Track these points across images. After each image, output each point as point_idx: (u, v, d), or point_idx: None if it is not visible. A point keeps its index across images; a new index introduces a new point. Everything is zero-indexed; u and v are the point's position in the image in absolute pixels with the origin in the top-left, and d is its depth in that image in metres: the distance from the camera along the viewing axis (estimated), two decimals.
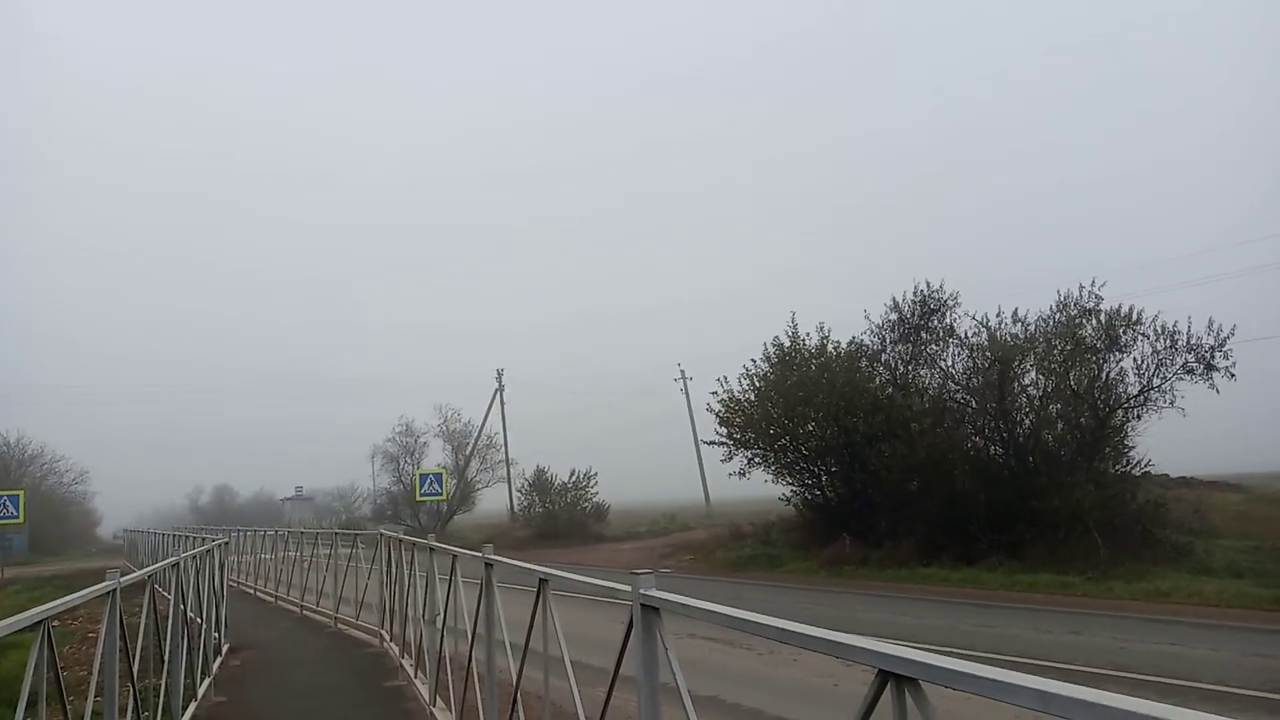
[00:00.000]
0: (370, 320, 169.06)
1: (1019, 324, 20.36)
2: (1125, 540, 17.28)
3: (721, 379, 24.37)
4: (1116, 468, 19.37)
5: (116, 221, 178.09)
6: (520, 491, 41.02)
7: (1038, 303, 24.87)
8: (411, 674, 8.96)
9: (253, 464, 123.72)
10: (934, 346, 21.86)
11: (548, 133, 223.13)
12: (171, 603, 7.75)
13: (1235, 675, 8.70)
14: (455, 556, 7.16)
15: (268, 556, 20.77)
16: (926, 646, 10.10)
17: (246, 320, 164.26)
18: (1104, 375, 19.26)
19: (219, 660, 10.31)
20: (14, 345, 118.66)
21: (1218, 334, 17.86)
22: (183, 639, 7.75)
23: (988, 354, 20.33)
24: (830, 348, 23.30)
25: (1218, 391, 18.01)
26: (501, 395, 50.00)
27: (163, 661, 7.20)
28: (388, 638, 11.30)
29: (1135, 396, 18.96)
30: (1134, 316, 18.78)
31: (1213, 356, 17.92)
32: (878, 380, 22.43)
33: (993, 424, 20.25)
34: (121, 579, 5.29)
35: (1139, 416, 19.16)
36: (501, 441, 47.62)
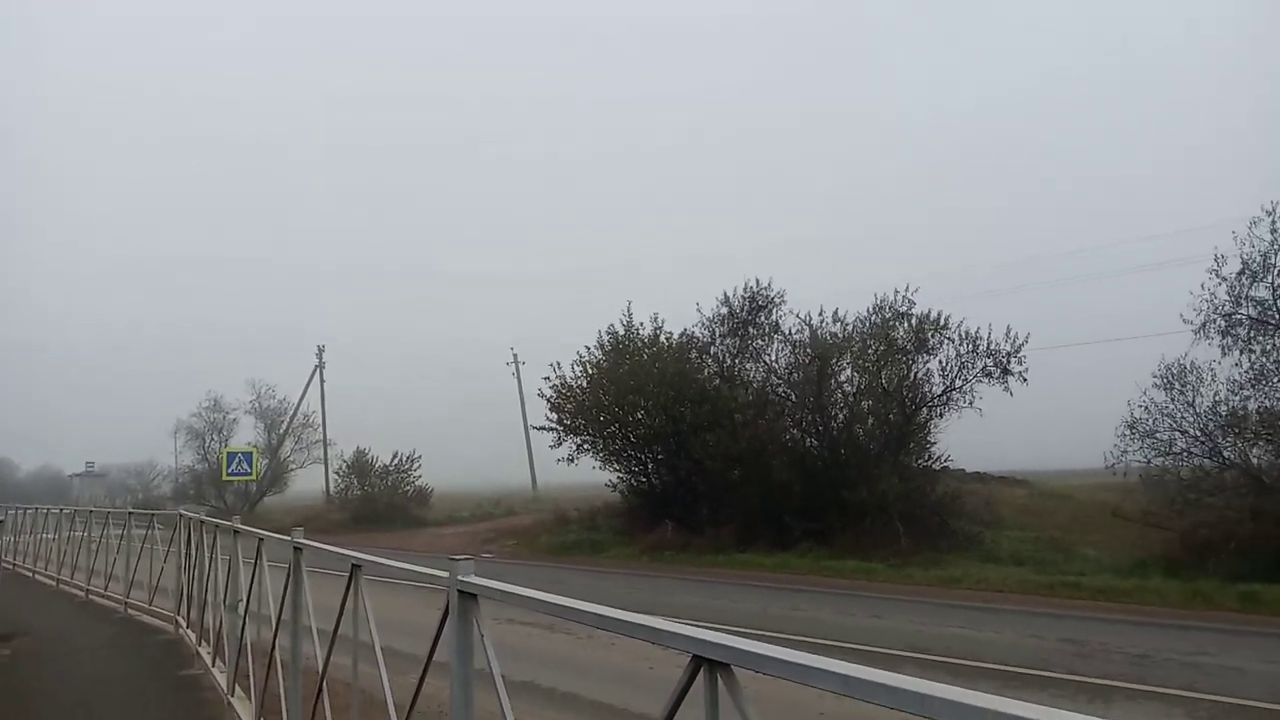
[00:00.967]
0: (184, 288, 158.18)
1: (839, 324, 21.42)
2: (924, 530, 18.54)
3: (554, 364, 24.36)
4: (919, 462, 20.71)
5: None
6: (338, 474, 39.48)
7: (857, 304, 26.17)
8: (209, 662, 8.41)
9: (36, 435, 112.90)
10: (760, 341, 22.69)
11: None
12: None
13: (1014, 655, 9.48)
14: (261, 540, 6.77)
15: (50, 536, 19.04)
16: (739, 630, 10.42)
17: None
18: (912, 375, 20.52)
19: None
20: None
21: (1013, 341, 19.40)
22: None
23: (809, 351, 21.27)
24: (663, 338, 23.71)
25: (1011, 394, 19.57)
26: (321, 373, 47.97)
27: None
28: (184, 624, 10.58)
29: (939, 396, 20.32)
30: (941, 321, 20.11)
31: (1008, 362, 19.45)
32: (706, 371, 23.04)
33: (810, 417, 21.21)
34: None
35: (941, 415, 20.56)
36: (320, 421, 45.77)
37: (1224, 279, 16.03)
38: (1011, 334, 19.42)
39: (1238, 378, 15.96)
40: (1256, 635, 10.73)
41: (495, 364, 56.15)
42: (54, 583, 16.95)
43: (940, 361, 20.20)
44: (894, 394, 20.43)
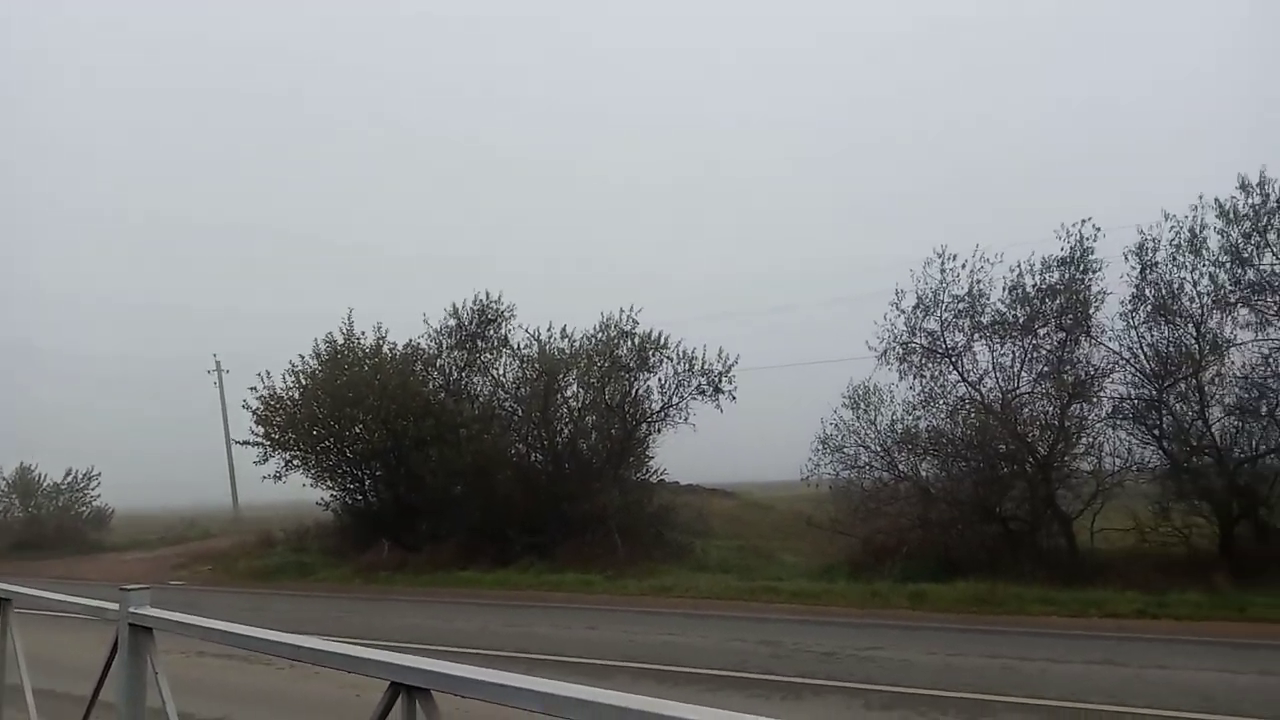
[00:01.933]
0: None
1: (566, 340, 21.73)
2: (640, 541, 19.21)
3: (263, 374, 22.58)
4: (638, 475, 21.46)
5: None
6: None
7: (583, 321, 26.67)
8: None
9: None
10: (488, 355, 22.49)
11: None
12: None
13: (717, 659, 9.99)
14: None
15: None
16: (455, 650, 10.12)
17: None
18: (634, 391, 21.24)
19: None
20: None
21: (725, 361, 20.65)
22: None
23: (537, 366, 21.39)
24: (386, 349, 22.75)
25: (721, 410, 20.80)
26: None
27: None
28: None
29: (658, 412, 21.17)
30: (662, 341, 21.00)
31: (720, 381, 20.67)
32: (431, 385, 22.43)
33: (536, 432, 21.32)
34: None
35: (660, 430, 21.43)
36: None
37: (902, 311, 18.07)
38: (723, 355, 20.71)
39: (911, 399, 18.01)
40: (924, 630, 12.06)
41: (195, 374, 51.38)
42: None
43: (660, 379, 21.11)
44: (616, 409, 21.03)
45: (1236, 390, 15.45)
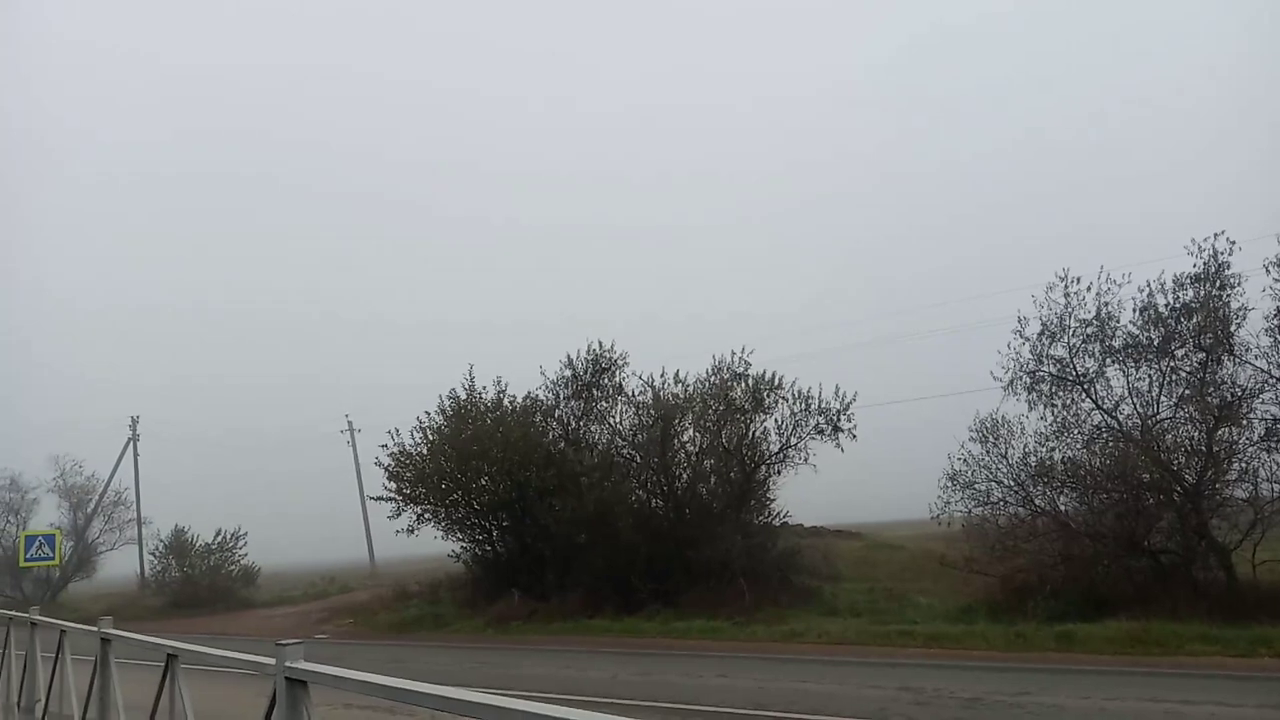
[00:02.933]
0: None
1: (680, 384, 21.81)
2: (766, 586, 18.91)
3: (392, 431, 23.56)
4: (760, 519, 21.19)
5: None
6: (154, 555, 36.48)
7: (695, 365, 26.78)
8: None
9: None
10: (604, 403, 22.77)
11: None
12: None
13: (854, 706, 9.72)
14: (64, 632, 6.15)
15: None
16: (590, 699, 10.22)
17: None
18: (751, 433, 21.08)
19: None
20: None
21: (842, 399, 20.31)
22: None
23: (652, 412, 21.53)
24: (506, 401, 23.40)
25: (842, 450, 20.40)
26: (135, 445, 44.62)
27: None
28: None
29: (776, 453, 20.93)
30: (776, 381, 20.84)
31: (838, 419, 20.31)
32: (551, 435, 22.86)
33: (655, 478, 21.39)
34: None
35: (779, 471, 21.14)
36: (133, 498, 42.36)
37: (1027, 339, 17.46)
38: (840, 392, 20.35)
39: (1043, 430, 17.29)
40: (1074, 672, 11.44)
41: (329, 434, 53.85)
42: None
43: (776, 420, 20.88)
44: (734, 452, 20.91)
45: None
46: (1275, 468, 15.17)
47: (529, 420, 22.78)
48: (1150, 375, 16.50)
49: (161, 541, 35.54)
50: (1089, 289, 16.75)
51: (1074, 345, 17.03)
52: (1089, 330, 16.85)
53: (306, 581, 37.74)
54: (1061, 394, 17.20)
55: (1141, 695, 9.74)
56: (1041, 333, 17.27)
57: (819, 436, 20.52)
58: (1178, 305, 15.96)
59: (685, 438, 21.50)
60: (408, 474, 22.87)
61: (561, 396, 23.21)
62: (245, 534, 34.52)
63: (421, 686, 2.70)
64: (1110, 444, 16.52)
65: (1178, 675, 10.88)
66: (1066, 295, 16.91)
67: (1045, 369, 17.29)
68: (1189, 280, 15.83)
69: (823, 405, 20.40)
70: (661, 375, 21.98)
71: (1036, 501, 17.03)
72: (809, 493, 21.78)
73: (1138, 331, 16.45)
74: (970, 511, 17.61)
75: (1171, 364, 16.19)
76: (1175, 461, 15.57)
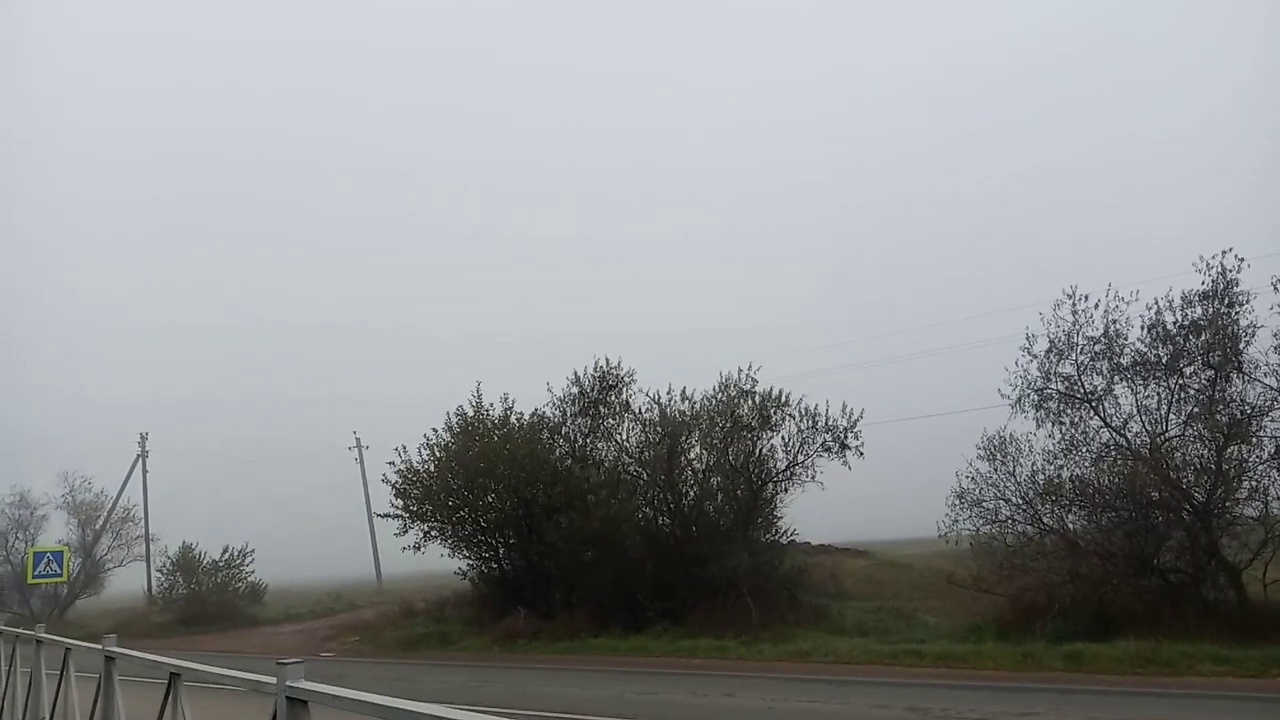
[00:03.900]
0: None
1: (686, 401, 21.81)
2: (773, 604, 18.82)
3: (400, 448, 23.59)
4: (767, 536, 21.11)
5: None
6: (162, 571, 36.53)
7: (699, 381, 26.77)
8: None
9: None
10: (611, 420, 22.77)
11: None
12: None
13: None
14: (68, 649, 6.17)
15: None
16: (594, 718, 10.16)
17: None
18: (758, 451, 21.04)
19: None
20: None
21: (849, 417, 20.27)
22: None
23: (659, 429, 21.52)
24: (514, 418, 23.38)
25: (849, 467, 20.35)
26: (144, 462, 44.76)
27: None
28: None
29: (783, 471, 20.88)
30: (783, 399, 20.82)
31: (845, 436, 20.27)
32: (558, 452, 22.84)
33: (661, 495, 21.35)
34: None
35: (786, 489, 21.09)
36: (142, 515, 42.45)
37: (1034, 356, 17.43)
38: (847, 410, 20.31)
39: (1051, 448, 17.22)
40: (1084, 693, 11.35)
41: (336, 451, 53.90)
42: None
43: (783, 437, 20.84)
44: (741, 470, 20.87)
45: None
46: None
47: (536, 437, 22.78)
48: (1159, 393, 16.44)
49: (169, 558, 35.62)
50: (1097, 306, 16.73)
51: (1082, 363, 16.99)
52: (1097, 348, 16.81)
53: (313, 598, 37.72)
54: (1069, 412, 17.15)
55: (1150, 716, 9.67)
56: (1049, 350, 17.24)
57: (826, 454, 20.48)
58: (1186, 323, 15.92)
59: (692, 455, 21.47)
60: (415, 491, 22.88)
61: (568, 413, 23.22)
62: (253, 550, 34.63)
63: (422, 707, 2.71)
64: (1119, 462, 16.44)
65: (1187, 696, 10.79)
66: (1074, 313, 16.90)
67: (1053, 386, 17.25)
68: (1197, 297, 15.78)
69: (830, 423, 20.37)
70: (668, 392, 22.02)
71: (1045, 520, 16.92)
72: (816, 511, 21.72)
73: (1146, 349, 16.40)
74: (978, 530, 17.51)
75: (1180, 381, 16.12)
76: (1184, 480, 15.48)
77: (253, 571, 34.52)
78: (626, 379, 22.77)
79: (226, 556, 34.16)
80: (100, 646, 5.24)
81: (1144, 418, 16.62)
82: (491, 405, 23.47)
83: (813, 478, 20.67)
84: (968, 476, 17.61)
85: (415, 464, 23.18)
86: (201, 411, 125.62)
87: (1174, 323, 16.02)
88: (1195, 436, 15.87)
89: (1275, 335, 15.10)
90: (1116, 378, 16.74)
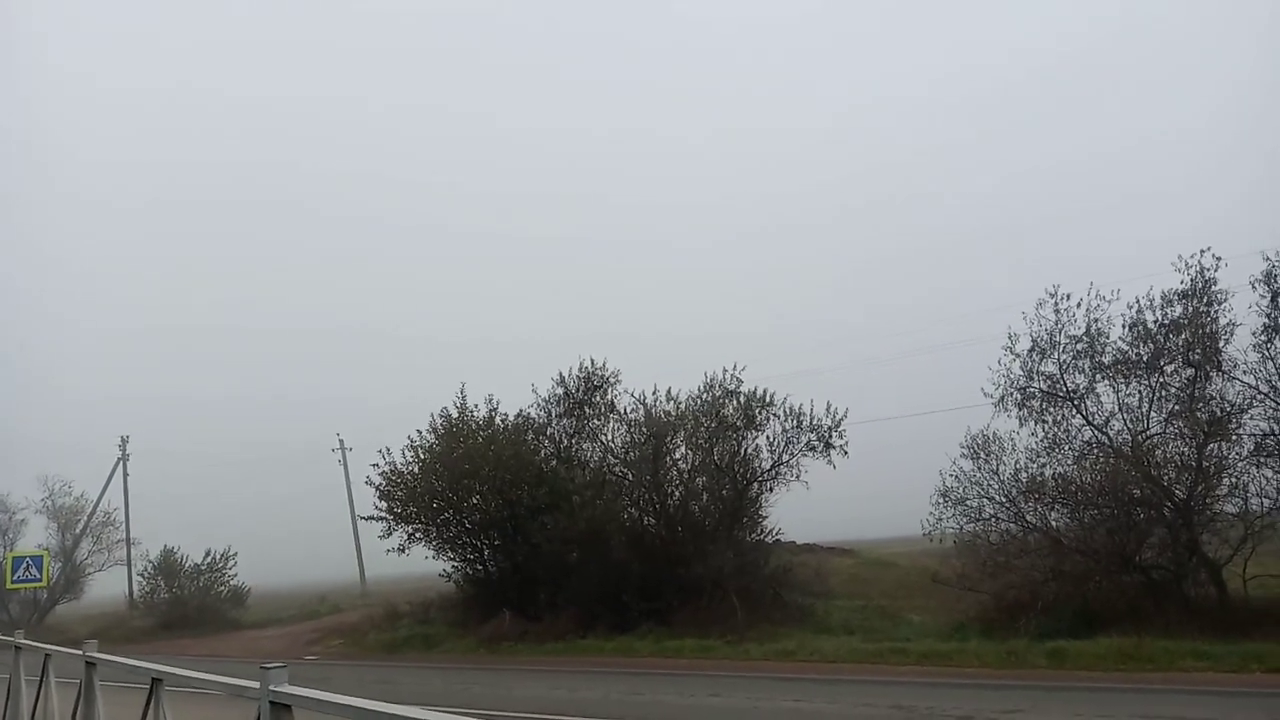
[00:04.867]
0: None
1: (671, 402, 21.80)
2: (759, 603, 18.85)
3: (384, 450, 23.45)
4: (752, 536, 21.14)
5: None
6: (143, 575, 36.19)
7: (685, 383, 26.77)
8: None
9: None
10: (596, 421, 22.74)
11: None
12: None
13: None
14: (48, 655, 6.10)
15: None
16: (579, 719, 10.06)
17: None
18: (743, 451, 21.04)
19: None
20: None
21: (834, 416, 20.32)
22: None
23: (644, 429, 21.51)
24: (499, 420, 23.31)
25: (834, 466, 20.39)
26: (125, 465, 44.35)
27: None
28: None
29: (768, 470, 20.90)
30: (767, 398, 20.85)
31: (830, 436, 20.32)
32: (543, 453, 22.79)
33: (647, 495, 21.34)
34: None
35: (771, 489, 21.10)
36: (122, 518, 42.05)
37: (1017, 355, 17.53)
38: (832, 409, 20.36)
39: (1034, 446, 17.33)
40: (1067, 690, 11.42)
41: (319, 453, 53.50)
42: None
43: (768, 437, 20.85)
44: (726, 470, 20.88)
45: None
46: (1265, 483, 15.25)
47: (521, 438, 22.71)
48: (1140, 391, 16.58)
49: (150, 562, 35.32)
50: (1079, 305, 16.87)
51: (1064, 361, 17.10)
52: (1079, 346, 16.94)
53: (297, 602, 37.50)
54: (1052, 410, 17.26)
55: (1133, 712, 9.73)
56: (1032, 349, 17.36)
57: (811, 453, 20.51)
58: (1166, 321, 16.07)
59: (677, 455, 21.46)
60: (399, 493, 22.75)
61: (553, 414, 23.17)
62: (235, 554, 34.34)
63: (406, 710, 2.69)
64: (1101, 460, 16.56)
65: (1170, 691, 10.86)
66: (1057, 312, 17.02)
67: (1036, 385, 17.36)
68: (1177, 296, 15.94)
69: (814, 422, 20.40)
70: (653, 392, 22.00)
71: (1028, 518, 17.03)
72: (801, 510, 21.76)
73: (1127, 348, 16.55)
74: (962, 528, 17.60)
75: (1161, 380, 16.26)
76: (1166, 477, 15.62)
77: (235, 575, 34.25)
78: (611, 379, 22.75)
79: (209, 560, 33.86)
80: (81, 652, 5.19)
81: (1125, 416, 16.77)
82: (476, 406, 23.42)
83: (797, 477, 20.71)
84: (952, 475, 17.70)
85: (399, 465, 23.06)
86: (185, 414, 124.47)
87: (1154, 321, 16.19)
88: (1176, 434, 16.02)
89: (1254, 334, 15.28)
90: (1098, 376, 16.87)
